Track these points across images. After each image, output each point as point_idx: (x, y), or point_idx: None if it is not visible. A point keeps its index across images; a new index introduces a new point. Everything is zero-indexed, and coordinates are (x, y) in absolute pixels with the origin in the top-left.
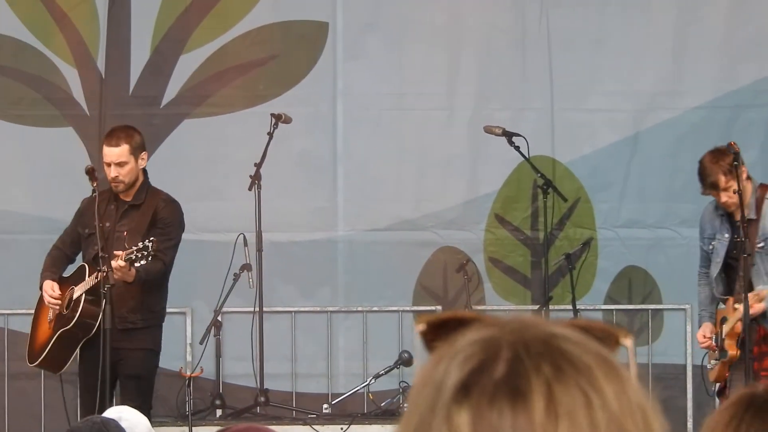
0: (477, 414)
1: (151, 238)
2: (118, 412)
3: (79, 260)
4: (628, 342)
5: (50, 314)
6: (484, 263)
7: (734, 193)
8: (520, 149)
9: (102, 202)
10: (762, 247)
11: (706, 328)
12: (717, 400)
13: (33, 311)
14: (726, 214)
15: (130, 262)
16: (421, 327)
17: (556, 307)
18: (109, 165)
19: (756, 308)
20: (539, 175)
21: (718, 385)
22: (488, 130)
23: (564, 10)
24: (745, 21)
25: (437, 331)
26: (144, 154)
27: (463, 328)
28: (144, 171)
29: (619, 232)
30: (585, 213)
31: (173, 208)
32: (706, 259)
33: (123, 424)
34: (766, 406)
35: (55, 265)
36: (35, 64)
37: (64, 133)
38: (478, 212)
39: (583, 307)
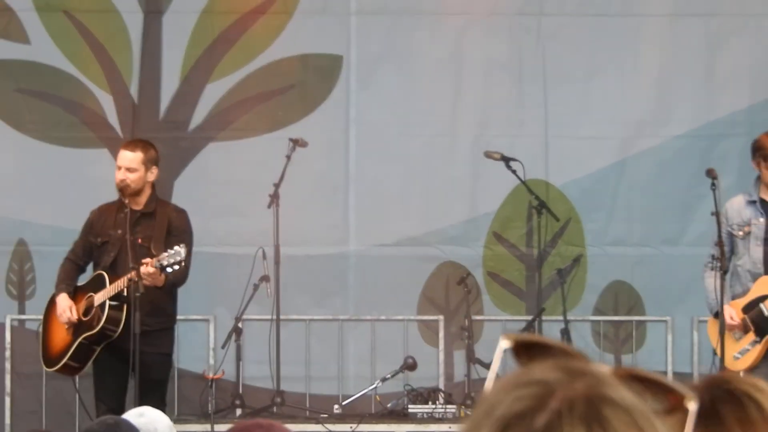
0: None
1: (182, 244)
2: (140, 411)
3: (90, 268)
4: (692, 406)
5: (74, 313)
6: (483, 277)
7: None
8: (517, 173)
9: (112, 212)
10: None
11: (731, 310)
12: None
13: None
14: (758, 200)
15: (162, 267)
16: (507, 344)
17: (549, 318)
18: (120, 168)
19: None
20: (534, 196)
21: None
22: (488, 154)
23: (558, 45)
24: (723, 57)
25: (521, 349)
26: (154, 169)
27: (543, 352)
28: (152, 185)
29: (607, 249)
30: (575, 232)
31: (185, 217)
32: (729, 244)
33: (143, 420)
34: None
35: (69, 276)
36: (73, 91)
37: (99, 154)
38: (478, 230)
39: (573, 319)
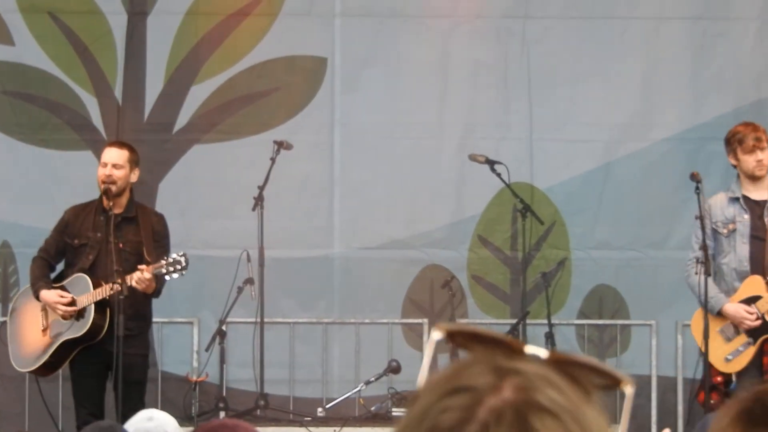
0: None
1: (182, 253)
2: (149, 416)
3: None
4: (629, 390)
5: (43, 322)
6: (467, 280)
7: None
8: (502, 176)
9: (90, 214)
10: None
11: (741, 307)
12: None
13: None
14: (741, 197)
15: (162, 274)
16: (439, 335)
17: (533, 321)
18: (105, 165)
19: None
20: (519, 199)
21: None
22: (473, 158)
23: (543, 49)
24: (708, 62)
25: (455, 337)
26: (137, 170)
27: (476, 340)
28: (131, 188)
29: (591, 253)
30: (560, 235)
31: (165, 222)
32: (713, 241)
33: (153, 424)
34: None
35: (44, 274)
36: (59, 93)
37: (83, 156)
38: (463, 233)
39: (557, 322)
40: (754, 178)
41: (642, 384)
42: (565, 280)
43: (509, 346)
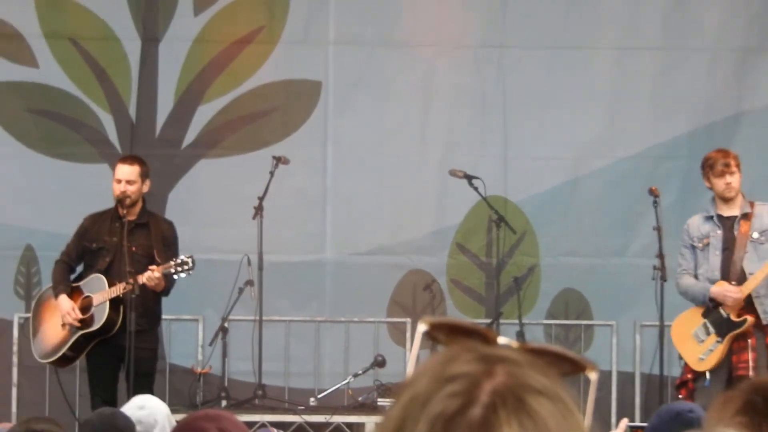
0: None
1: (189, 255)
2: (140, 404)
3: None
4: (593, 376)
5: (78, 313)
6: (446, 284)
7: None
8: (479, 189)
9: (106, 220)
10: (756, 238)
11: (725, 285)
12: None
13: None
14: (715, 216)
15: (171, 273)
16: (424, 327)
17: (506, 321)
18: (119, 181)
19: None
20: (493, 211)
21: (685, 372)
22: (452, 173)
23: (517, 74)
24: (668, 85)
25: (439, 333)
26: (148, 182)
27: (456, 332)
28: (143, 197)
29: (559, 259)
30: (531, 243)
31: (173, 227)
32: (692, 258)
33: (145, 412)
34: None
35: (65, 277)
36: (78, 111)
37: (100, 169)
38: (443, 241)
39: (527, 322)
40: (725, 199)
41: (603, 379)
42: (534, 284)
43: (485, 337)
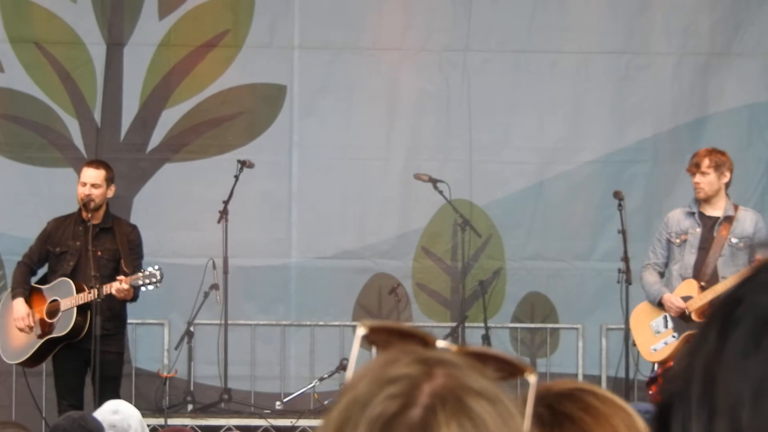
0: None
1: (157, 266)
2: (114, 408)
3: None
4: (532, 379)
5: (31, 320)
6: (412, 287)
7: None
8: (444, 193)
9: (70, 224)
10: (734, 243)
11: (673, 297)
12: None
13: None
14: (697, 213)
15: (139, 286)
16: (363, 330)
17: (471, 324)
18: (84, 185)
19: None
20: (459, 215)
21: (656, 369)
22: (417, 176)
23: (482, 78)
24: (630, 92)
25: (377, 336)
26: (113, 187)
27: (394, 337)
28: (107, 202)
29: (525, 263)
30: (496, 247)
31: (138, 232)
32: (666, 250)
33: (118, 417)
34: None
35: (25, 280)
36: (43, 116)
37: (65, 173)
38: (408, 245)
39: (493, 325)
40: (700, 198)
41: None
42: (500, 287)
43: (423, 340)
